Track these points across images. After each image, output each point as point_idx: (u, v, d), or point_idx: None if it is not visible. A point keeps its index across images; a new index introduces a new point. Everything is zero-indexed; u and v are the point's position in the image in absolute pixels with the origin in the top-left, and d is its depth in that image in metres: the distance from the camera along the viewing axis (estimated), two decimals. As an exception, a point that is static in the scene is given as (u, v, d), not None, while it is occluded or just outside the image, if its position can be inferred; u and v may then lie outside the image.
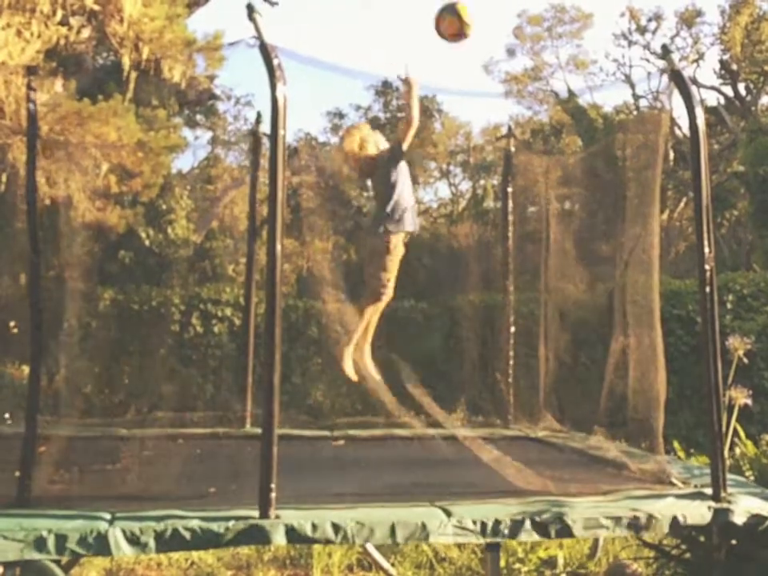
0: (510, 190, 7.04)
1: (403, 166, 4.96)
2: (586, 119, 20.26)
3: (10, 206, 10.23)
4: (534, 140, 20.83)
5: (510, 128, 7.49)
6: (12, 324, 10.38)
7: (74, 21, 9.10)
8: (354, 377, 4.99)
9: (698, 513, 3.96)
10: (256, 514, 3.53)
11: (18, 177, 9.64)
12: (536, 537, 3.73)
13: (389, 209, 4.84)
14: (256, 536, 3.48)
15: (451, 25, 4.76)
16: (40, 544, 3.24)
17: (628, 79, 23.32)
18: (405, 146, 4.88)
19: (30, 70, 4.57)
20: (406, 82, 4.89)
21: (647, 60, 22.92)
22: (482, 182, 22.53)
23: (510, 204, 7.04)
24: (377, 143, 5.03)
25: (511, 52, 25.54)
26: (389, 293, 4.95)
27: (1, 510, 3.50)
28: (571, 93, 22.65)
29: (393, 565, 5.68)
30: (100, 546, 3.29)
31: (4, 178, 9.73)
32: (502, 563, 5.11)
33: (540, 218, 7.30)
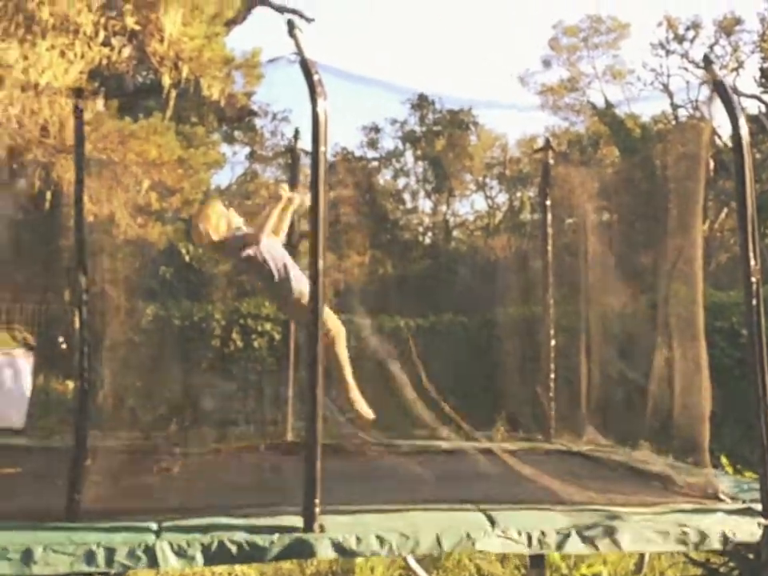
0: (548, 202, 7.00)
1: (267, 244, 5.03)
2: (624, 130, 20.11)
3: (56, 222, 10.44)
4: (570, 151, 20.72)
5: (547, 140, 7.45)
6: (61, 340, 10.55)
7: (116, 41, 9.25)
8: (371, 414, 5.02)
9: (747, 529, 3.89)
10: (300, 526, 3.55)
11: (61, 194, 9.83)
12: (583, 549, 3.69)
13: (276, 279, 4.95)
14: (301, 550, 3.50)
15: None
16: (89, 557, 3.28)
17: (666, 89, 23.11)
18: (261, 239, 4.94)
19: (77, 93, 4.66)
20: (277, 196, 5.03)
21: (686, 69, 22.71)
22: (518, 194, 22.44)
23: (549, 216, 7.01)
24: (230, 223, 5.11)
25: (547, 63, 25.48)
26: (333, 326, 4.95)
27: (51, 523, 3.55)
28: (608, 103, 22.52)
29: (435, 580, 5.66)
30: (148, 558, 3.33)
31: (49, 196, 9.93)
32: (546, 579, 5.07)
33: (578, 230, 7.26)
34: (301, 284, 4.90)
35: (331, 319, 4.96)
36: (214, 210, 5.16)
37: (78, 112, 4.15)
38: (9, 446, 5.73)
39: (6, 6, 8.12)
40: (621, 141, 19.96)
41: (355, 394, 5.03)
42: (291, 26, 4.02)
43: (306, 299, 4.79)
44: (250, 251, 4.96)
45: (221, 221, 5.07)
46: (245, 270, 5.45)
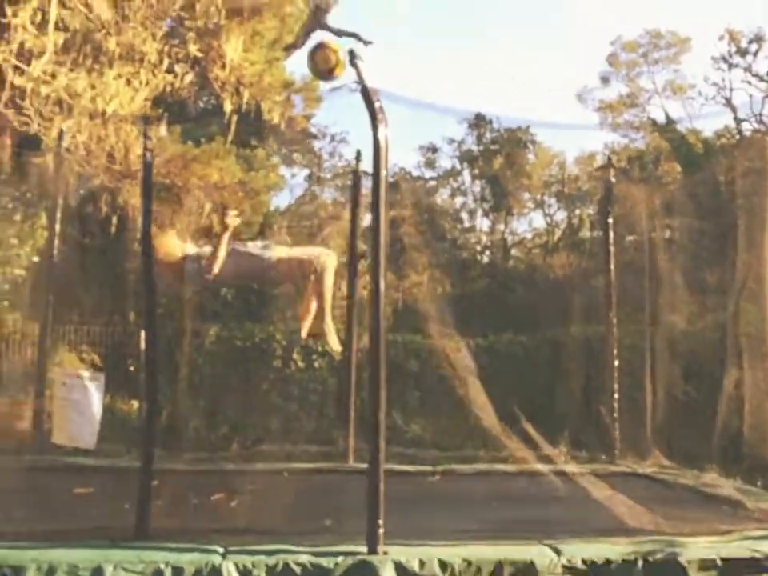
0: (610, 220, 6.93)
1: None
2: (686, 145, 19.76)
3: (122, 246, 10.67)
4: (631, 168, 20.44)
5: (609, 158, 7.41)
6: (129, 362, 10.74)
7: (179, 68, 9.47)
8: (339, 347, 5.20)
9: (823, 555, 3.77)
10: (364, 549, 3.55)
11: (127, 219, 10.06)
12: (650, 579, 3.61)
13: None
14: (364, 572, 3.50)
15: (326, 60, 4.69)
16: (157, 576, 3.34)
17: (729, 103, 22.67)
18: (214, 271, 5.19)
19: (145, 120, 4.78)
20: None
21: (749, 83, 22.25)
22: (577, 211, 22.20)
23: (611, 234, 6.93)
24: (184, 251, 5.38)
25: (605, 80, 25.18)
26: (322, 258, 5.20)
27: (121, 542, 3.62)
28: (669, 119, 22.18)
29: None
30: (214, 579, 3.37)
31: (115, 221, 10.17)
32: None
33: (640, 248, 7.16)
34: (266, 251, 5.26)
35: (322, 253, 5.31)
36: (167, 240, 5.45)
37: (145, 142, 4.25)
38: (80, 466, 5.85)
39: (75, 37, 8.39)
40: (683, 156, 19.59)
41: (329, 324, 5.25)
42: (353, 55, 4.10)
43: (280, 255, 5.16)
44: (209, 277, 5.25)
45: (175, 249, 5.36)
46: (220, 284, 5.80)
